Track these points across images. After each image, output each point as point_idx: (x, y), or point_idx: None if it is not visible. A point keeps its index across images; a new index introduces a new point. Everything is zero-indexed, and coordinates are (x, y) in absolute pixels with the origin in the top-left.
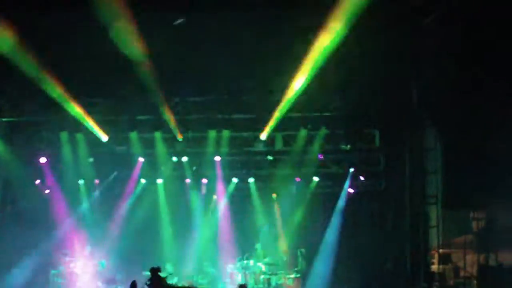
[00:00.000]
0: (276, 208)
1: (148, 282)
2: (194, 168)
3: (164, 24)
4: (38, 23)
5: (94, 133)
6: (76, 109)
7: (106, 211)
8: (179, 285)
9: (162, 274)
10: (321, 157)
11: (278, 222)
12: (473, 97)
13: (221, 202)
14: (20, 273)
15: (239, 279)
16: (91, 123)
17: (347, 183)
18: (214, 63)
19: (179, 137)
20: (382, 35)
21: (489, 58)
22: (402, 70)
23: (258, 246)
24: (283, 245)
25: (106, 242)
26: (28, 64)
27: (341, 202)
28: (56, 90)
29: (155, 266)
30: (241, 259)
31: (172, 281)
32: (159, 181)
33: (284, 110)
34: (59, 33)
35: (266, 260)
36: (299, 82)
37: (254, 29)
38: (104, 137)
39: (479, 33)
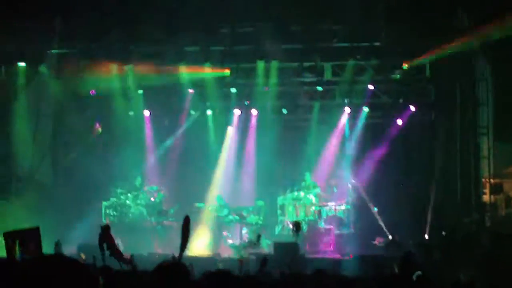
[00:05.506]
0: (327, 139)
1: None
2: (245, 102)
3: None
4: None
5: (143, 64)
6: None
7: (156, 144)
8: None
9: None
10: (370, 87)
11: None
12: None
13: (270, 133)
14: (72, 206)
15: (289, 210)
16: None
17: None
18: None
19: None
20: None
21: None
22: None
23: (307, 175)
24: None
25: (158, 174)
26: None
27: (391, 133)
28: (103, 19)
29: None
30: (292, 191)
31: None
32: (209, 112)
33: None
34: None
35: (317, 191)
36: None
37: None
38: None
39: None
